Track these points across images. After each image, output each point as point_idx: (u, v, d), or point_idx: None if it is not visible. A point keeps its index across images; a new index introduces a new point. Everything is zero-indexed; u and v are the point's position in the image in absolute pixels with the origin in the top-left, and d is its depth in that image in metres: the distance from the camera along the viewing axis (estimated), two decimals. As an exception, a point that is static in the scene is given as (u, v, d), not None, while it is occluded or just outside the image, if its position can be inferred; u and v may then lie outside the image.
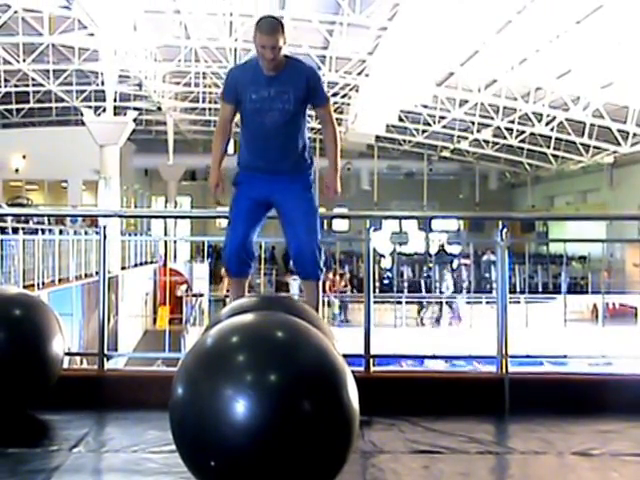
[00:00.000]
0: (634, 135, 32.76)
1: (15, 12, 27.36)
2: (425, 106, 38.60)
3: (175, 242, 36.65)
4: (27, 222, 19.35)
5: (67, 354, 6.36)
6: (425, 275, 38.61)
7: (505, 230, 6.62)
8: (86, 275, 23.59)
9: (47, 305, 6.28)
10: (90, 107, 34.59)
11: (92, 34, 28.21)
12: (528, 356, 7.35)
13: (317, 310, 6.01)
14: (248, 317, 4.51)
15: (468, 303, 29.40)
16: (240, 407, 3.79)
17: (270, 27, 5.82)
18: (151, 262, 35.97)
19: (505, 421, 5.92)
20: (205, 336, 4.23)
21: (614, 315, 28.35)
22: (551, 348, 10.90)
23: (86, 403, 5.89)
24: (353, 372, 4.20)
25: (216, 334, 4.21)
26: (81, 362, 9.54)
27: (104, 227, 7.03)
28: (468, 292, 32.70)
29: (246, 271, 6.27)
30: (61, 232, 23.00)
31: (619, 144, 33.96)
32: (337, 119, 6.20)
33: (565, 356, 7.50)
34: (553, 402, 5.92)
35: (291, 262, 6.48)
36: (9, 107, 42.97)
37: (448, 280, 33.69)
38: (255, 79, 5.96)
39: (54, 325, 5.89)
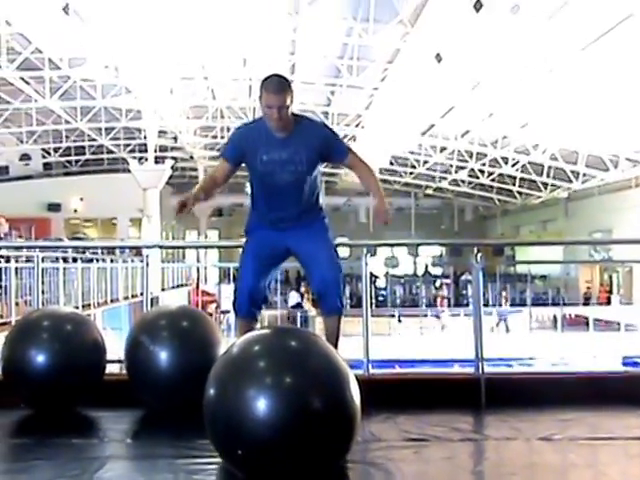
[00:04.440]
0: (584, 175, 33.01)
1: (74, 82, 27.72)
2: (412, 152, 38.87)
3: (205, 268, 36.55)
4: (84, 253, 19.31)
5: (112, 362, 6.36)
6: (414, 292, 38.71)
7: (479, 254, 6.61)
8: (132, 296, 23.60)
9: (92, 321, 6.33)
10: (135, 157, 34.82)
11: (136, 97, 28.42)
12: (501, 359, 7.34)
13: (336, 345, 4.95)
14: (267, 331, 4.52)
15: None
16: (261, 405, 3.79)
17: (277, 86, 4.80)
18: (185, 285, 35.90)
19: (482, 413, 5.89)
20: (232, 346, 4.22)
21: (571, 324, 28.29)
22: (519, 351, 10.90)
23: (129, 403, 5.85)
24: (355, 375, 4.19)
25: (241, 344, 4.19)
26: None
27: (147, 256, 7.05)
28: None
29: (255, 314, 5.20)
30: (112, 261, 22.98)
31: (572, 182, 34.18)
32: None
33: (531, 358, 7.48)
34: (522, 396, 5.89)
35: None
36: (69, 158, 43.20)
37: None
38: (266, 140, 4.93)
39: (97, 338, 5.91)
